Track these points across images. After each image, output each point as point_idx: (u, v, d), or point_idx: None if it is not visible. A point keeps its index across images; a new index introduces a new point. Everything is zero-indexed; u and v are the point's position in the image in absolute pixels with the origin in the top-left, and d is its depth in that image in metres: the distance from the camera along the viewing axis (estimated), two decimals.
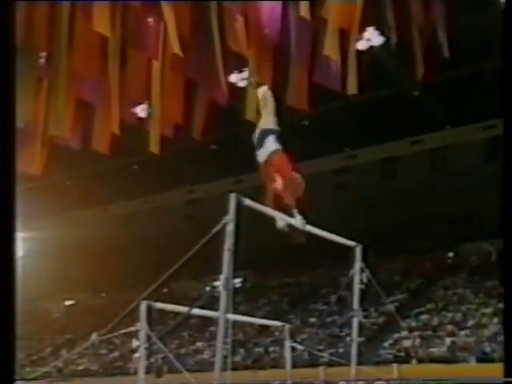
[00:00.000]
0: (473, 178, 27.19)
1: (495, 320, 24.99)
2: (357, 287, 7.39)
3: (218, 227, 5.38)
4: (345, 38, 11.77)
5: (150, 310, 6.54)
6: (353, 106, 24.53)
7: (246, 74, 17.28)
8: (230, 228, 5.33)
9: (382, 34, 19.01)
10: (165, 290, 30.90)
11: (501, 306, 25.98)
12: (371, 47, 19.71)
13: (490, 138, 27.35)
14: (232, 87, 15.85)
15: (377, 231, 29.46)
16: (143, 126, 14.04)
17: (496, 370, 24.03)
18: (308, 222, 6.79)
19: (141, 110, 16.81)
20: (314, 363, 24.61)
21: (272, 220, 7.04)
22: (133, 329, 6.37)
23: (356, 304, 7.43)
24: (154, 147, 12.81)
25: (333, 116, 25.68)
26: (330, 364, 23.90)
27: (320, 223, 10.46)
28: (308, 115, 23.28)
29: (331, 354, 22.34)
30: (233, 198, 5.47)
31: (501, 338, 23.70)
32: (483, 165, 27.92)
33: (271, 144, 6.13)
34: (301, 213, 6.40)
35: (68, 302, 43.65)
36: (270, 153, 6.12)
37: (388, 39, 12.59)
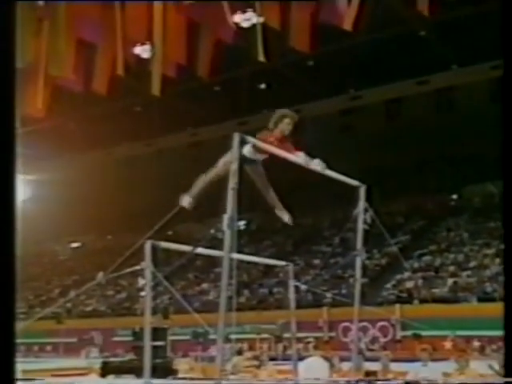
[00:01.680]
0: (479, 119, 26.91)
1: (497, 261, 25.19)
2: (360, 227, 7.37)
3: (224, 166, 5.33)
4: None
5: (154, 249, 6.56)
6: (358, 46, 24.11)
7: (249, 14, 16.97)
8: (234, 167, 5.27)
9: None
10: (170, 233, 31.12)
11: (503, 247, 26.14)
12: None
13: (497, 77, 26.93)
14: (236, 28, 15.54)
15: (381, 172, 29.42)
16: (146, 66, 13.82)
17: (496, 309, 24.30)
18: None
19: (143, 51, 16.51)
20: (317, 304, 25.02)
21: (277, 161, 6.98)
22: (138, 267, 6.40)
23: (359, 244, 7.43)
24: (155, 89, 12.62)
25: (338, 57, 25.27)
26: (333, 304, 24.33)
27: (324, 164, 10.38)
28: (313, 56, 22.94)
29: (334, 295, 22.66)
30: (236, 136, 5.39)
31: (502, 277, 23.96)
32: (490, 105, 27.59)
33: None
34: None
35: (74, 245, 44.11)
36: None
37: None
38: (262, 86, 30.05)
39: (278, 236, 33.78)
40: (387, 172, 30.79)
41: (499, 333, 19.31)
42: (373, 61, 26.54)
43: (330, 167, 10.20)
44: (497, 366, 10.61)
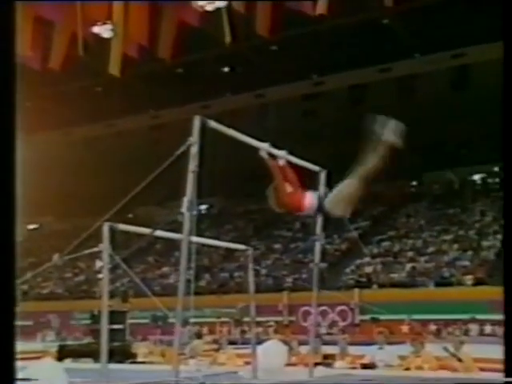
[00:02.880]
0: (440, 106, 27.26)
1: (455, 246, 25.68)
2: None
3: (182, 149, 5.24)
4: None
5: (113, 232, 6.44)
6: (322, 32, 24.11)
7: None
8: (195, 150, 5.20)
9: None
10: (130, 216, 30.86)
11: (461, 232, 26.67)
12: None
13: (459, 66, 27.31)
14: (201, 10, 15.36)
15: (342, 158, 29.60)
16: (107, 46, 13.55)
17: (453, 293, 24.74)
18: (275, 147, 6.67)
19: (104, 30, 16.19)
20: (277, 288, 25.16)
21: (238, 146, 6.91)
22: (95, 249, 6.27)
23: (319, 229, 7.44)
24: (115, 69, 12.40)
25: (301, 42, 25.26)
26: (293, 289, 24.51)
27: (287, 148, 10.36)
28: (277, 40, 22.87)
29: (295, 280, 22.88)
30: (197, 119, 5.32)
31: (459, 262, 24.47)
32: (450, 93, 27.96)
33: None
34: None
35: (31, 226, 43.39)
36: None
37: None
38: (226, 69, 29.86)
39: (239, 220, 33.82)
40: (348, 158, 31.02)
41: (454, 316, 19.59)
42: (336, 47, 26.59)
43: (291, 152, 10.19)
44: (452, 349, 10.81)
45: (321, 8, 11.00)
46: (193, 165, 5.17)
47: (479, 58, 25.02)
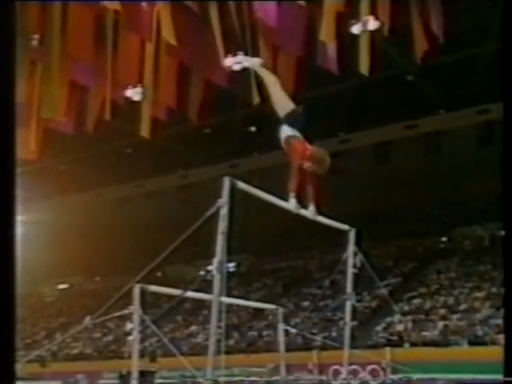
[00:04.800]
0: (466, 163, 27.22)
1: (487, 304, 25.17)
2: (350, 271, 7.40)
3: (212, 210, 5.37)
4: (340, 22, 11.72)
5: (143, 293, 6.53)
6: (347, 90, 24.49)
7: (240, 57, 17.14)
8: (224, 211, 5.32)
9: (377, 18, 18.91)
10: (159, 274, 30.93)
11: (493, 290, 26.17)
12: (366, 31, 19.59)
13: (484, 122, 27.37)
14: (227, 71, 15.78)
15: (370, 215, 29.56)
16: (136, 109, 13.95)
17: (487, 352, 24.21)
18: (304, 207, 6.77)
19: (134, 93, 16.66)
20: (307, 347, 24.79)
21: (267, 204, 7.02)
22: (126, 311, 6.36)
23: (349, 288, 7.44)
24: (145, 131, 12.73)
25: (327, 100, 25.62)
26: (323, 348, 24.11)
27: (316, 210, 10.45)
28: (303, 99, 23.22)
29: (324, 338, 22.48)
30: (226, 181, 5.46)
31: (492, 321, 23.91)
32: (477, 149, 27.96)
33: (285, 130, 6.17)
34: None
35: (62, 286, 43.67)
36: (284, 138, 6.16)
37: (383, 24, 12.52)
38: (253, 128, 30.31)
39: (268, 278, 33.64)
40: (377, 215, 30.95)
41: (489, 376, 19.08)
42: (361, 104, 26.92)
43: (321, 210, 10.29)
44: None
45: (364, 68, 11.24)
46: (222, 226, 5.28)
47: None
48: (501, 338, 22.62)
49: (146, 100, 13.04)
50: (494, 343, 22.56)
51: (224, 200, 5.29)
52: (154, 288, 6.53)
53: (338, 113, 27.60)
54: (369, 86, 24.55)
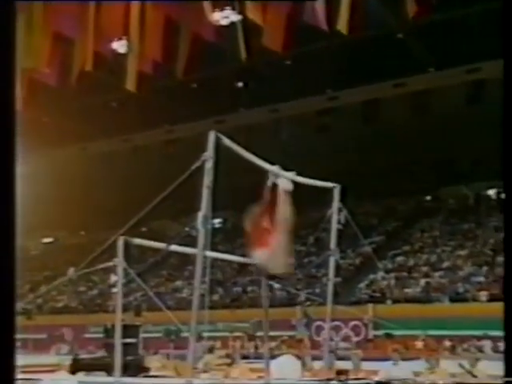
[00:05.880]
0: (455, 122, 27.18)
1: (470, 261, 25.51)
2: (334, 227, 7.41)
3: (197, 164, 5.31)
4: None
5: (127, 246, 6.50)
6: (336, 47, 24.16)
7: (228, 12, 16.87)
8: (209, 165, 5.27)
9: None
10: (144, 229, 30.95)
11: (476, 248, 26.48)
12: None
13: (474, 81, 27.22)
14: (215, 26, 15.49)
15: (356, 173, 29.56)
16: (122, 62, 13.69)
17: (468, 309, 24.50)
18: (290, 162, 6.71)
19: (120, 46, 16.36)
20: (291, 303, 25.07)
21: (250, 162, 6.93)
22: (110, 264, 6.34)
23: (333, 244, 7.46)
24: (130, 84, 12.54)
25: (315, 57, 25.32)
26: (307, 304, 24.39)
27: (301, 164, 10.42)
28: (291, 55, 22.97)
29: (308, 294, 22.73)
30: (212, 135, 5.39)
31: (474, 278, 24.28)
32: (465, 108, 27.87)
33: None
34: None
35: (46, 240, 43.63)
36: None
37: None
38: (240, 84, 29.98)
39: None
40: (363, 173, 30.96)
41: (470, 332, 19.38)
42: (350, 62, 26.62)
43: (306, 166, 10.24)
44: (467, 365, 10.74)
45: (341, 26, 11.08)
46: (207, 180, 5.23)
47: (494, 73, 24.96)
48: (482, 294, 23.01)
49: (132, 53, 12.81)
50: (474, 300, 22.95)
51: (209, 154, 5.23)
52: (138, 241, 6.49)
53: (326, 70, 27.30)
54: (358, 44, 24.24)
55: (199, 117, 30.80)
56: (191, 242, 6.06)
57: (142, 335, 14.56)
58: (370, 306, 24.11)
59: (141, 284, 6.92)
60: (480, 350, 20.15)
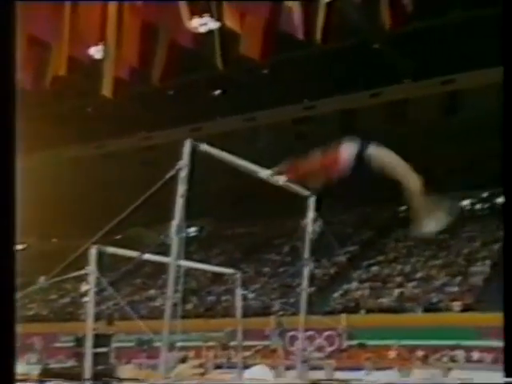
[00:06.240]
0: (430, 132, 27.42)
1: (443, 272, 25.69)
2: (308, 237, 7.36)
3: (172, 173, 5.22)
4: None
5: (100, 254, 6.38)
6: (313, 56, 24.27)
7: (206, 19, 16.81)
8: (184, 174, 5.18)
9: None
10: (118, 237, 30.68)
11: (450, 258, 26.67)
12: None
13: (449, 92, 27.52)
14: (193, 32, 15.42)
15: (332, 182, 29.61)
16: (98, 67, 13.56)
17: (441, 318, 24.67)
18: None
19: (96, 51, 16.21)
20: (265, 312, 25.00)
21: (228, 169, 6.87)
22: (82, 272, 6.21)
23: (307, 254, 7.41)
24: (106, 90, 12.39)
25: (293, 66, 25.42)
26: (281, 313, 24.33)
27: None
28: (268, 64, 22.98)
29: (282, 304, 22.72)
30: (188, 143, 5.31)
31: (448, 288, 24.44)
32: (441, 119, 28.14)
33: None
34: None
35: (18, 247, 42.97)
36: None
37: None
38: (217, 92, 29.96)
39: (229, 243, 33.68)
40: (338, 182, 31.03)
41: (443, 342, 19.50)
42: (327, 71, 26.75)
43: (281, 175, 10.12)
44: (439, 375, 10.77)
45: (317, 35, 11.07)
46: (182, 189, 5.15)
47: (468, 84, 25.28)
48: (455, 304, 23.17)
49: (108, 58, 12.67)
50: (448, 310, 23.09)
51: (184, 162, 5.15)
52: (111, 249, 6.38)
53: (303, 79, 27.40)
54: (335, 54, 24.39)
55: (176, 124, 30.68)
56: (166, 250, 5.97)
57: (114, 344, 14.36)
58: (344, 315, 24.13)
59: (112, 293, 6.79)
60: (453, 359, 20.27)
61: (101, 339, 11.68)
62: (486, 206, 31.69)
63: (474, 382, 7.77)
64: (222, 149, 6.72)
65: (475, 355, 20.68)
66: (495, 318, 22.41)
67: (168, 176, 5.23)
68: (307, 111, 31.09)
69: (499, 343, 19.84)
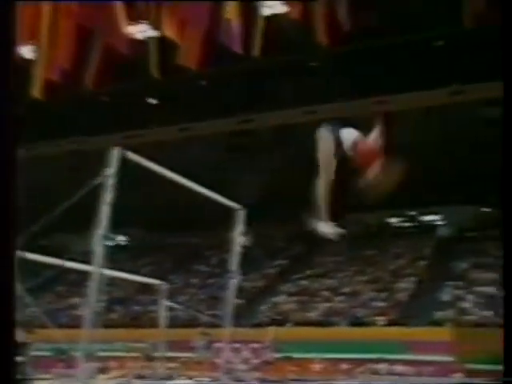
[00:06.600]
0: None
1: (369, 287, 26.19)
2: (236, 250, 7.36)
3: (99, 180, 5.11)
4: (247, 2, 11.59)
5: (20, 260, 6.18)
6: (250, 70, 24.45)
7: (144, 26, 16.67)
8: (110, 182, 5.08)
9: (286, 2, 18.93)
10: (44, 243, 29.87)
11: (377, 274, 27.24)
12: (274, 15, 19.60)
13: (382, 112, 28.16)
14: (130, 39, 15.26)
15: (264, 196, 29.79)
16: (30, 68, 13.21)
17: (366, 332, 25.09)
18: (198, 181, 6.61)
19: (28, 52, 15.80)
20: (192, 324, 24.80)
21: (159, 180, 6.81)
22: None
23: (234, 266, 7.42)
24: (37, 91, 12.09)
25: (231, 79, 25.54)
26: (208, 325, 24.19)
27: (211, 185, 10.35)
28: (206, 75, 23.00)
29: (209, 315, 22.53)
30: (116, 151, 5.21)
31: (373, 303, 24.93)
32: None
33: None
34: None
35: None
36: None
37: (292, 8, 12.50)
38: (153, 100, 29.73)
39: (158, 253, 33.32)
40: (270, 196, 31.22)
41: (367, 356, 19.84)
42: (264, 86, 26.98)
43: (215, 188, 10.16)
44: None
45: (255, 49, 11.14)
46: (107, 197, 5.05)
47: (401, 105, 26.03)
48: (380, 319, 23.65)
49: (40, 59, 12.38)
50: (373, 324, 23.53)
51: (111, 170, 5.05)
52: (32, 256, 6.19)
53: (240, 92, 27.55)
54: (272, 69, 24.67)
55: (108, 130, 30.20)
56: (93, 258, 5.83)
57: (31, 353, 13.91)
58: (271, 328, 24.22)
59: (28, 300, 6.60)
60: (376, 372, 20.64)
61: (18, 347, 11.30)
62: (413, 224, 32.56)
63: (474, 381, 7.85)
64: (155, 158, 6.65)
65: (398, 368, 21.15)
66: (419, 333, 23.01)
67: (95, 183, 5.11)
68: (243, 124, 31.23)
69: (423, 357, 20.45)
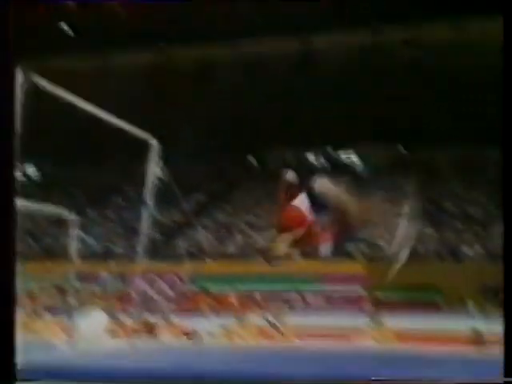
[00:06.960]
0: (288, 88, 28.13)
1: None
2: (150, 182, 7.36)
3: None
4: None
5: None
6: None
7: None
8: (17, 107, 4.91)
9: None
10: None
11: None
12: None
13: (302, 50, 28.25)
14: None
15: (185, 130, 29.54)
16: None
17: (281, 266, 25.62)
18: (116, 112, 6.49)
19: None
20: (106, 256, 24.72)
21: (73, 110, 6.64)
22: None
23: (149, 199, 7.44)
24: None
25: (151, 10, 25.00)
26: (122, 257, 24.14)
27: (126, 115, 10.17)
28: (125, 7, 22.27)
29: (125, 248, 22.51)
30: (19, 74, 5.02)
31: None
32: (298, 76, 28.84)
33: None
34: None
35: None
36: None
37: None
38: (70, 31, 28.67)
39: (73, 186, 32.61)
40: (191, 130, 30.96)
41: (280, 287, 20.37)
42: (184, 20, 26.44)
43: (130, 118, 10.01)
44: (271, 318, 11.33)
45: None
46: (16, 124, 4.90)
47: (324, 44, 26.21)
48: (296, 253, 24.33)
49: None
50: (289, 258, 24.15)
51: (17, 94, 4.86)
52: None
53: (160, 24, 26.90)
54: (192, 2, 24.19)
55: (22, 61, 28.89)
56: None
57: None
58: (188, 261, 24.46)
59: None
60: (288, 304, 21.37)
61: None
62: (330, 161, 33.28)
63: (474, 381, 8.20)
64: (71, 87, 6.46)
65: (309, 298, 22.03)
66: (333, 267, 23.66)
67: None
68: (162, 56, 30.63)
69: (334, 287, 21.50)
